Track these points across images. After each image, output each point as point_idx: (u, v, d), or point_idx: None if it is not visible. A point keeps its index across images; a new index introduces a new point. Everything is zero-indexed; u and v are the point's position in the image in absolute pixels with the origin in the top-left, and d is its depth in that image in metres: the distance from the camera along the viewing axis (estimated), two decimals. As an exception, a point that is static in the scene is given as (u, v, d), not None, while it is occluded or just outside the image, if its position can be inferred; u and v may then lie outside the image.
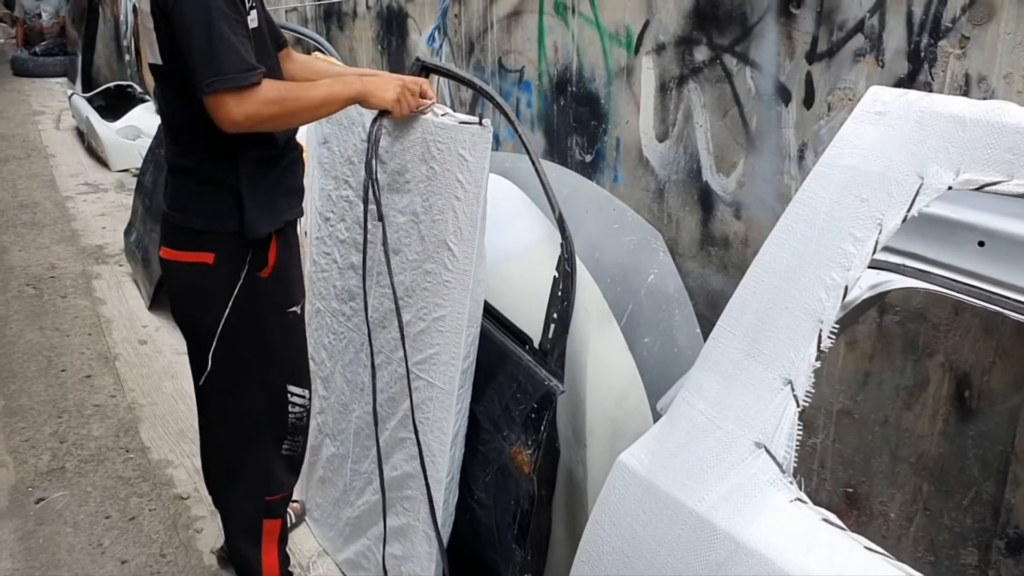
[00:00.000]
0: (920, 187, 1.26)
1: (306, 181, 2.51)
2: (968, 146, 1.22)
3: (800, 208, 1.39)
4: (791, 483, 1.26)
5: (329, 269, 2.63)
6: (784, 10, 1.91)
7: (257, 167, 1.88)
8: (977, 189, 1.21)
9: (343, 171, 2.55)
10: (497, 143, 3.08)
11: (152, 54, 1.82)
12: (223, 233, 1.87)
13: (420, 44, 3.39)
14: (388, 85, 1.98)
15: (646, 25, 2.29)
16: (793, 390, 1.30)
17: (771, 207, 2.06)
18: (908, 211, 1.27)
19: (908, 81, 1.70)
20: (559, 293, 2.10)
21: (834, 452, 2.00)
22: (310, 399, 2.19)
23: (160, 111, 1.98)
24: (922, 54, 1.66)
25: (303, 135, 2.83)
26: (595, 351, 2.20)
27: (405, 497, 2.32)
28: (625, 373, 2.18)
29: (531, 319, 2.21)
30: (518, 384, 2.15)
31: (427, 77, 2.61)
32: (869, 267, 1.56)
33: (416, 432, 2.17)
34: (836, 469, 2.00)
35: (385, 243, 2.17)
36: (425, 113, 2.09)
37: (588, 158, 2.61)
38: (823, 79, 1.86)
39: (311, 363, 2.70)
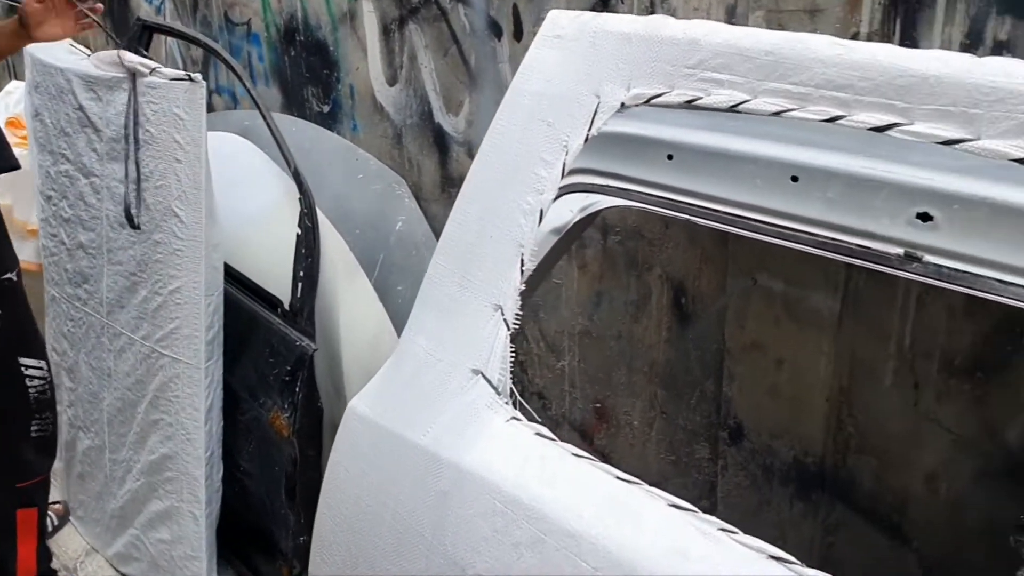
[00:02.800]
0: (598, 106, 1.31)
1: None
2: (635, 61, 1.27)
3: (494, 137, 1.41)
4: (506, 403, 1.30)
5: (58, 252, 2.44)
6: (486, -57, 1.93)
7: None
8: (646, 102, 1.27)
9: (59, 144, 2.36)
10: (235, 102, 2.94)
11: None
12: None
13: (142, 3, 3.18)
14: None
15: (362, -32, 2.25)
16: (503, 315, 1.34)
17: (500, 142, 2.10)
18: (588, 130, 1.31)
19: (602, 5, 1.76)
20: (303, 250, 2.06)
21: (580, 371, 2.09)
22: (49, 371, 2.06)
23: None
24: (611, -21, 1.72)
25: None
26: (345, 304, 2.19)
27: (166, 480, 2.22)
28: (376, 321, 2.18)
29: (282, 281, 2.15)
30: (271, 349, 2.11)
31: (151, 38, 2.47)
32: (579, 191, 1.63)
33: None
34: (584, 387, 2.10)
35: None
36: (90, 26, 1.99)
37: (326, 108, 2.55)
38: (528, 11, 1.89)
39: (53, 355, 2.51)
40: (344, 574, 1.44)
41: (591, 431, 2.11)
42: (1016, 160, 0.94)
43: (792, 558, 0.99)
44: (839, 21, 1.42)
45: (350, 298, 2.19)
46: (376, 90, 2.36)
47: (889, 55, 1.02)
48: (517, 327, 1.33)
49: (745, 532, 1.03)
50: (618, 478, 1.15)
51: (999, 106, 0.94)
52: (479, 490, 1.23)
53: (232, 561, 2.36)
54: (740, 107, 1.16)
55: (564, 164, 1.33)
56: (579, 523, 1.13)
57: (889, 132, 1.03)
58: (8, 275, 1.95)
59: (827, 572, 0.95)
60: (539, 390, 2.21)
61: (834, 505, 1.69)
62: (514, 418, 1.28)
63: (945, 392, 1.48)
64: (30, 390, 2.02)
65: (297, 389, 2.03)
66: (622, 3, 1.72)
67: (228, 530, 2.27)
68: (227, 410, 2.18)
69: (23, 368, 2.01)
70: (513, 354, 2.14)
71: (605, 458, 2.10)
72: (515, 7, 1.91)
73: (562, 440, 1.24)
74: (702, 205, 1.45)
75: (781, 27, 1.49)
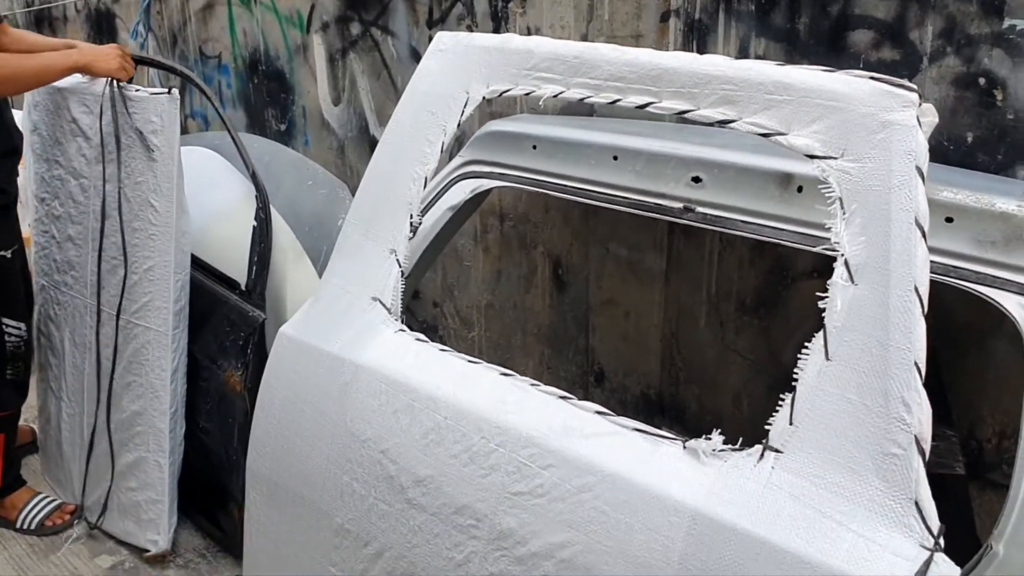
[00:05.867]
0: (467, 100, 1.76)
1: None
2: (492, 67, 1.73)
3: (394, 124, 1.85)
4: (396, 320, 1.72)
5: (49, 246, 2.84)
6: (407, -13, 2.41)
7: None
8: (499, 95, 1.72)
9: (53, 152, 2.78)
10: (207, 124, 3.39)
11: None
12: None
13: (128, 40, 3.64)
14: (109, 53, 2.37)
15: (312, 8, 2.71)
16: (396, 256, 1.77)
17: (423, 150, 2.55)
18: (461, 117, 1.76)
19: (494, 30, 2.22)
20: (257, 238, 2.48)
21: (487, 340, 2.51)
22: (28, 332, 2.53)
23: None
24: (499, 15, 2.19)
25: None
26: (292, 283, 2.60)
27: (135, 434, 2.60)
28: (317, 297, 2.59)
29: (240, 266, 2.57)
30: (228, 320, 2.51)
31: (135, 68, 2.92)
32: (470, 177, 2.07)
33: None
34: (491, 354, 2.52)
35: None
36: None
37: (282, 127, 3.00)
38: (441, 41, 2.36)
39: (41, 338, 2.91)
40: (274, 460, 1.83)
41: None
42: (719, 123, 1.39)
43: (572, 396, 1.41)
44: (655, 44, 1.89)
45: (297, 278, 2.60)
46: (323, 110, 2.81)
47: (647, 56, 1.48)
48: (407, 265, 1.77)
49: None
50: (468, 361, 1.58)
51: (708, 86, 1.40)
52: (370, 377, 1.65)
53: (192, 515, 2.72)
54: (559, 96, 1.61)
55: (444, 143, 1.77)
56: (437, 391, 1.55)
57: (648, 108, 1.48)
58: (3, 252, 2.39)
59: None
60: (455, 359, 2.62)
61: (672, 429, 2.10)
62: (401, 330, 1.70)
63: (741, 326, 1.91)
64: (8, 344, 2.51)
65: (249, 351, 2.42)
66: (506, 27, 2.19)
67: (191, 487, 2.63)
68: (190, 376, 2.57)
69: (4, 326, 2.49)
70: (433, 329, 2.59)
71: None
72: (431, 38, 2.37)
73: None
74: (556, 182, 1.90)
75: (617, 48, 1.96)
